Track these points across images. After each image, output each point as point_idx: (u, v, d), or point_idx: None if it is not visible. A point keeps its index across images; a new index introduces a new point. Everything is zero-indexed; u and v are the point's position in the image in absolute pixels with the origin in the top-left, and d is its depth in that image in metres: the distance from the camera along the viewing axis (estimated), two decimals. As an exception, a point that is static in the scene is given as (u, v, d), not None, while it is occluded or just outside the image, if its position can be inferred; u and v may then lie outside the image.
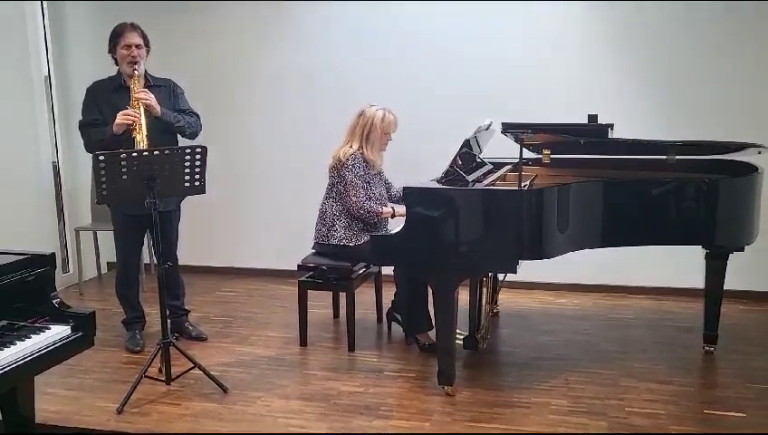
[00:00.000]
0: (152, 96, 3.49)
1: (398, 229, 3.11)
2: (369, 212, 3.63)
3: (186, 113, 3.71)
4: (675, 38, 4.37)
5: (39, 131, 4.83)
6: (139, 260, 3.91)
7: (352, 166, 3.62)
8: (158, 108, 3.50)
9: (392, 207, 3.78)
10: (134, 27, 3.58)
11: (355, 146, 3.68)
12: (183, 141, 3.69)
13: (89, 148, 3.57)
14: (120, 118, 3.40)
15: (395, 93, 4.62)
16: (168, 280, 3.32)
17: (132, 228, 3.70)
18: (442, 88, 4.71)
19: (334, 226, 3.69)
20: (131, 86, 3.49)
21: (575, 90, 4.52)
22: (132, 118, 3.40)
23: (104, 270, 5.31)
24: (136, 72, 3.50)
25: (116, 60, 3.60)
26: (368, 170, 3.71)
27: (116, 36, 3.55)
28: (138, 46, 3.54)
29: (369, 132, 3.67)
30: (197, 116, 3.78)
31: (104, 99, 3.57)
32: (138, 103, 3.44)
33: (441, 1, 4.63)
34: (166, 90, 3.70)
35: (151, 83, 3.64)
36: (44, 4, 4.89)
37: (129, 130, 3.41)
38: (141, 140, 3.36)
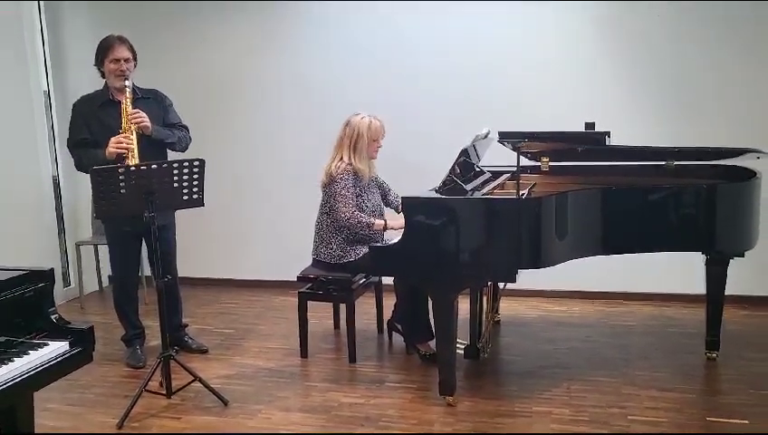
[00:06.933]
0: (146, 116, 3.43)
1: (397, 240, 3.11)
2: (359, 222, 3.58)
3: (176, 127, 3.67)
4: (671, 41, 4.37)
5: (39, 146, 4.84)
6: (137, 275, 3.89)
7: (341, 178, 3.58)
8: (150, 127, 3.46)
9: (385, 220, 3.70)
10: (122, 41, 3.50)
11: (345, 158, 3.64)
12: (172, 154, 3.68)
13: (80, 168, 3.54)
14: (113, 146, 3.34)
15: (393, 100, 4.64)
16: (166, 295, 3.29)
17: (128, 243, 3.67)
18: (440, 95, 4.71)
19: (330, 244, 3.67)
20: (123, 105, 3.41)
21: (574, 95, 4.51)
22: (126, 146, 3.34)
23: (105, 284, 5.31)
24: (126, 87, 3.43)
25: (102, 73, 3.55)
26: (358, 182, 3.67)
27: (104, 50, 3.49)
28: (126, 60, 3.48)
29: (357, 142, 3.63)
30: (187, 129, 3.74)
31: (92, 115, 3.51)
32: (130, 127, 3.38)
33: (441, 2, 4.64)
34: (154, 101, 3.65)
35: (139, 96, 3.58)
36: (42, 19, 4.91)
37: (121, 156, 3.34)
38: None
